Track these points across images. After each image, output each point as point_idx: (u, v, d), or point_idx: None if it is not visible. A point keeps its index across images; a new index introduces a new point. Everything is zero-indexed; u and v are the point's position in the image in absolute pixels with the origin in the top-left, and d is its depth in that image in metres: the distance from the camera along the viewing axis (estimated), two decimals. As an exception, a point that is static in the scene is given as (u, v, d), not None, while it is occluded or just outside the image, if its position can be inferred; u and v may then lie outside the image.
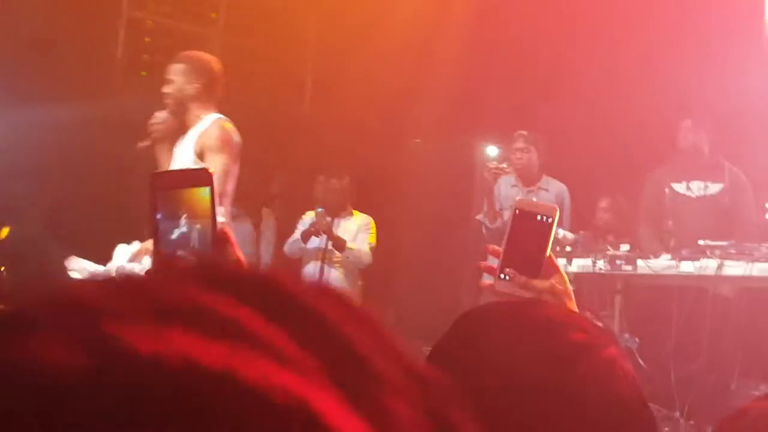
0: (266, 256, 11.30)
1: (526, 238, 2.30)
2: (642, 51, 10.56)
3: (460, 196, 11.41)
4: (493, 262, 2.37)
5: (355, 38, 12.03)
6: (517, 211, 2.32)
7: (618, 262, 8.47)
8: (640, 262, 8.35)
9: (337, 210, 10.26)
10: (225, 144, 7.00)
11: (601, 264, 8.52)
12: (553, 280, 2.17)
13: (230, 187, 7.07)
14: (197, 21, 12.60)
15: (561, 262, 8.65)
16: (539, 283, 2.17)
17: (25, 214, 9.62)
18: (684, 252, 8.15)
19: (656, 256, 8.33)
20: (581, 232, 8.96)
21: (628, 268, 8.42)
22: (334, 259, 10.24)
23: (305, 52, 13.27)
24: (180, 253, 1.81)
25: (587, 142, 10.75)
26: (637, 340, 8.32)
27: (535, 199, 9.53)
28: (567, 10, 11.00)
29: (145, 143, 7.06)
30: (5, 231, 7.26)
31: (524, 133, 9.62)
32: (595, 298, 8.72)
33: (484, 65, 11.68)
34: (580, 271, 8.66)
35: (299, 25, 13.04)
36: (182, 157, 7.08)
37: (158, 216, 1.82)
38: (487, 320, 1.62)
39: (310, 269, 10.28)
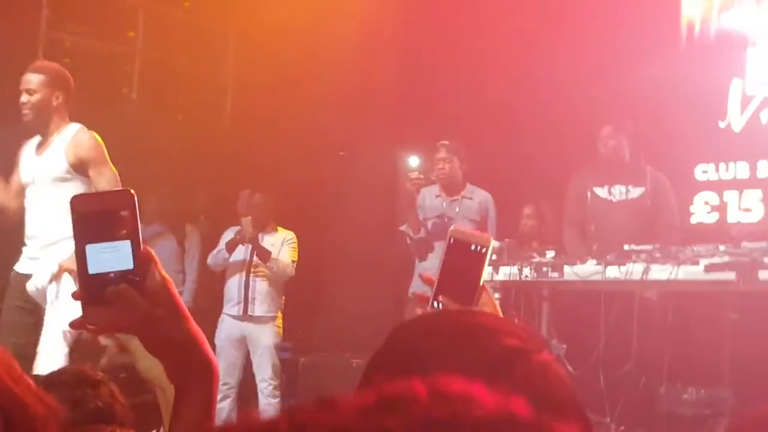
0: (191, 272, 11.24)
1: (460, 267, 2.30)
2: (560, 56, 10.64)
3: (384, 207, 11.41)
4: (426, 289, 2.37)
5: (274, 51, 12.01)
6: (452, 240, 2.31)
7: (544, 269, 8.50)
8: (566, 268, 8.38)
9: (262, 225, 10.23)
10: (103, 154, 7.10)
11: (527, 271, 8.54)
12: (485, 309, 2.18)
13: None
14: (116, 40, 12.52)
15: (487, 269, 8.70)
16: None
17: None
18: (609, 257, 8.20)
19: (582, 262, 8.37)
20: (506, 239, 8.98)
21: (555, 274, 8.45)
22: (259, 271, 10.22)
23: (224, 67, 13.22)
24: (107, 275, 1.80)
25: (509, 149, 10.80)
26: (564, 346, 8.34)
27: (457, 209, 9.60)
28: (483, 17, 11.06)
29: None
30: None
31: (446, 143, 9.65)
32: (522, 306, 8.74)
33: (404, 76, 11.71)
34: (506, 278, 8.68)
35: (217, 39, 13.00)
36: (49, 165, 7.13)
37: (81, 239, 1.81)
38: (423, 330, 1.62)
39: (234, 281, 10.26)
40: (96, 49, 12.38)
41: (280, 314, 10.31)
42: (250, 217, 10.15)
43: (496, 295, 8.75)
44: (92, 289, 1.81)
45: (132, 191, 1.84)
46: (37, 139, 7.31)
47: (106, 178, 7.00)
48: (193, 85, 12.98)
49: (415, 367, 1.50)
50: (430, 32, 11.43)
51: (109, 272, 1.81)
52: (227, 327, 10.23)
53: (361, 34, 11.74)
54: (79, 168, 7.05)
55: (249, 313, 10.19)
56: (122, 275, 1.80)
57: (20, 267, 7.25)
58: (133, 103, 12.38)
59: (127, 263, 1.81)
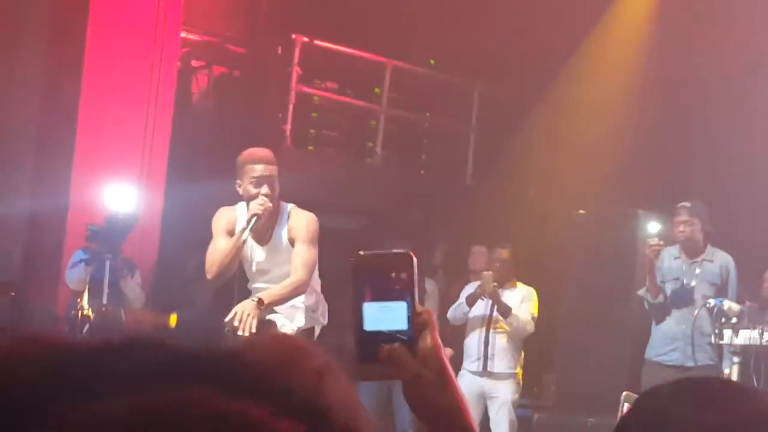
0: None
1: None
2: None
3: (623, 269, 11.31)
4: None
5: (518, 111, 12.13)
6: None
7: (787, 333, 8.32)
8: (809, 333, 8.19)
9: (502, 281, 10.25)
10: (316, 234, 7.06)
11: (768, 336, 8.38)
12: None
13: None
14: (362, 96, 12.85)
15: (726, 333, 8.58)
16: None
17: (193, 293, 9.89)
18: None
19: (825, 328, 8.16)
20: (747, 303, 8.82)
21: (797, 339, 8.27)
22: (498, 327, 10.22)
23: (467, 125, 13.40)
24: (382, 333, 1.84)
25: (753, 209, 10.58)
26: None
27: (698, 271, 9.44)
28: (721, 76, 10.93)
29: (247, 233, 6.97)
30: (174, 318, 7.43)
31: (687, 204, 9.49)
32: (762, 371, 8.56)
33: (647, 136, 11.64)
34: (747, 342, 8.52)
35: (462, 96, 13.19)
36: (277, 246, 7.15)
37: (359, 297, 1.86)
38: (670, 394, 1.67)
39: (474, 337, 10.30)
40: (343, 105, 12.74)
41: (520, 370, 10.27)
42: (491, 272, 10.19)
43: (735, 359, 8.60)
44: (366, 346, 1.85)
45: (411, 253, 1.86)
46: (244, 209, 7.14)
47: (306, 258, 6.98)
48: (436, 141, 13.21)
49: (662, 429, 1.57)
50: (672, 92, 11.35)
51: (384, 331, 1.84)
52: (466, 383, 10.17)
53: (603, 96, 11.74)
54: (293, 244, 7.12)
55: (488, 369, 10.19)
56: (396, 335, 1.83)
57: None
58: (378, 157, 12.67)
59: (401, 324, 1.83)
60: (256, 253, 7.20)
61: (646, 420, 1.63)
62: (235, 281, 7.65)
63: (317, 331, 7.25)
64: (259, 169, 6.97)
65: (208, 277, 7.17)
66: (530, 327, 10.21)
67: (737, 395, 1.65)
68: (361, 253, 1.87)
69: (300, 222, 7.07)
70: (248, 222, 6.84)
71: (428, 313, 1.85)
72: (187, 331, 7.21)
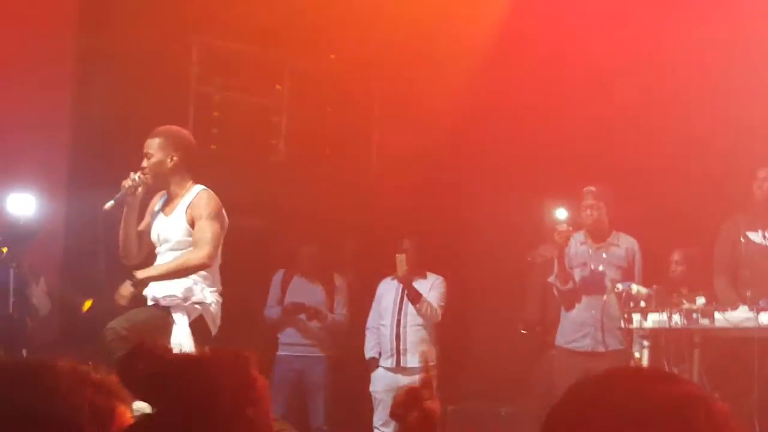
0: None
1: None
2: (713, 97, 10.51)
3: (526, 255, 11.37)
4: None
5: (415, 102, 12.13)
6: None
7: (694, 315, 8.38)
8: (717, 314, 8.27)
9: (412, 271, 10.32)
10: (214, 210, 7.22)
11: (677, 318, 8.44)
12: None
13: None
14: (263, 93, 12.77)
15: (635, 317, 8.63)
16: None
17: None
18: (762, 302, 8.07)
19: (734, 308, 8.25)
20: (654, 286, 8.88)
21: (705, 321, 8.34)
22: (410, 320, 10.33)
23: (370, 119, 13.37)
24: None
25: (657, 193, 10.67)
26: (716, 395, 8.23)
27: (604, 256, 9.51)
28: (628, 59, 11.01)
29: (109, 205, 7.23)
30: (88, 303, 7.48)
31: (593, 188, 9.55)
32: (672, 353, 8.63)
33: (549, 121, 11.68)
34: (656, 326, 8.59)
35: (362, 91, 13.15)
36: (172, 226, 7.33)
37: None
38: (599, 383, 1.67)
39: (386, 332, 10.37)
40: (244, 103, 12.65)
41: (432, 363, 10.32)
42: (403, 254, 10.26)
43: (645, 343, 8.67)
44: None
45: None
46: (165, 194, 7.49)
47: (206, 235, 7.14)
48: (338, 137, 13.16)
49: (598, 418, 1.56)
50: (570, 79, 11.41)
51: None
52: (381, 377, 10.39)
53: (501, 77, 11.77)
54: (193, 225, 7.23)
55: (402, 365, 10.31)
56: None
57: None
58: (281, 154, 12.60)
59: None
60: (159, 224, 7.43)
61: (580, 408, 1.62)
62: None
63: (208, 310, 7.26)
64: (145, 145, 7.33)
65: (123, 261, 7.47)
66: (438, 314, 10.31)
67: (667, 379, 1.63)
68: None
69: (200, 201, 7.24)
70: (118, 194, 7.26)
71: None
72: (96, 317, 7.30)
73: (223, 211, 7.31)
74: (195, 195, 7.28)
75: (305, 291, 11.15)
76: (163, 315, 7.10)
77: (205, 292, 7.23)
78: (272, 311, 11.17)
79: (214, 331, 7.28)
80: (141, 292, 7.12)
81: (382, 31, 11.85)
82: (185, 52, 12.01)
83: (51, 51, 10.48)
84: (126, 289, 7.03)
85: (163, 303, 7.13)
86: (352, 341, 11.03)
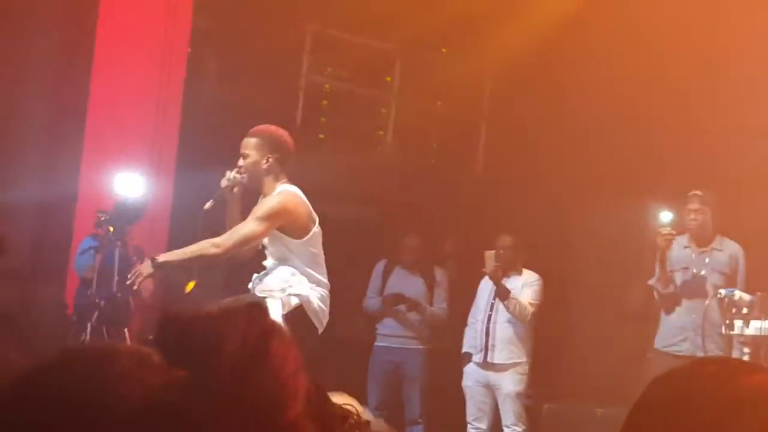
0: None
1: None
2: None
3: (631, 259, 11.29)
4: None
5: (530, 99, 12.10)
6: None
7: (797, 323, 8.27)
8: (820, 323, 8.15)
9: (506, 267, 10.23)
10: (269, 212, 7.17)
11: (779, 326, 8.33)
12: None
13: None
14: (373, 84, 12.86)
15: (737, 324, 8.53)
16: None
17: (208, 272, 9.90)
18: None
19: (838, 317, 8.13)
20: (758, 293, 8.77)
21: (808, 329, 8.23)
22: (500, 316, 10.24)
23: (478, 113, 13.39)
24: None
25: (763, 199, 10.51)
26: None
27: (707, 260, 9.42)
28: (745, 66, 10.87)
29: (209, 205, 7.30)
30: (191, 284, 7.54)
31: (699, 193, 9.46)
32: (774, 361, 8.52)
33: (658, 126, 11.59)
34: (758, 333, 8.49)
35: (472, 85, 13.16)
36: None
37: None
38: (682, 380, 1.68)
39: (477, 327, 10.32)
40: (353, 93, 12.74)
41: (526, 360, 10.24)
42: (493, 251, 10.15)
43: (746, 350, 8.57)
44: None
45: None
46: None
47: (238, 231, 7.17)
48: (446, 130, 13.19)
49: (685, 407, 1.58)
50: (684, 81, 11.29)
51: None
52: (471, 372, 10.32)
53: (620, 83, 11.69)
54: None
55: (489, 360, 10.21)
56: None
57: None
58: (388, 145, 12.67)
59: None
60: None
61: (667, 396, 1.63)
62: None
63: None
64: (242, 144, 7.35)
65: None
66: (527, 313, 10.12)
67: (754, 369, 1.67)
68: None
69: (267, 200, 7.25)
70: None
71: None
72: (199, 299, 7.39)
73: (295, 212, 7.24)
74: (276, 193, 7.27)
75: (406, 282, 11.16)
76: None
77: (303, 286, 7.22)
78: (372, 302, 11.18)
79: (320, 327, 7.24)
80: (158, 274, 7.40)
81: (495, 28, 11.86)
82: (299, 40, 12.13)
83: (167, 32, 10.62)
84: (146, 268, 7.20)
85: (260, 295, 7.17)
86: (452, 335, 11.02)
